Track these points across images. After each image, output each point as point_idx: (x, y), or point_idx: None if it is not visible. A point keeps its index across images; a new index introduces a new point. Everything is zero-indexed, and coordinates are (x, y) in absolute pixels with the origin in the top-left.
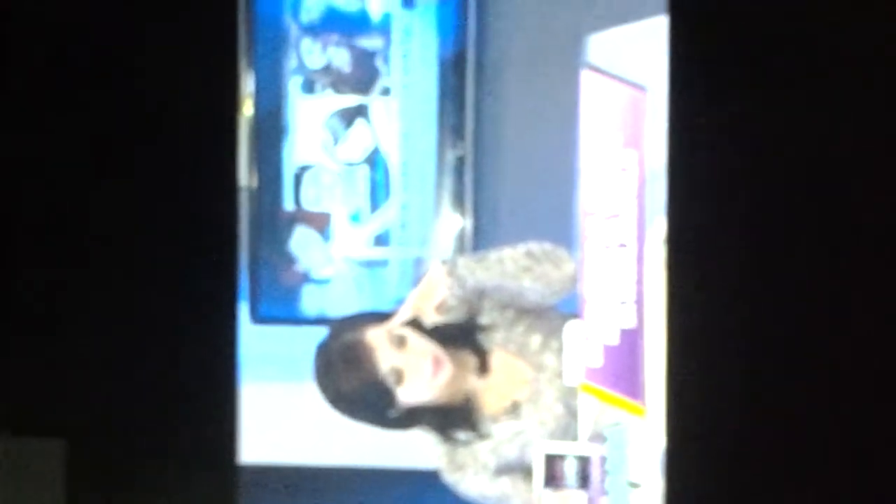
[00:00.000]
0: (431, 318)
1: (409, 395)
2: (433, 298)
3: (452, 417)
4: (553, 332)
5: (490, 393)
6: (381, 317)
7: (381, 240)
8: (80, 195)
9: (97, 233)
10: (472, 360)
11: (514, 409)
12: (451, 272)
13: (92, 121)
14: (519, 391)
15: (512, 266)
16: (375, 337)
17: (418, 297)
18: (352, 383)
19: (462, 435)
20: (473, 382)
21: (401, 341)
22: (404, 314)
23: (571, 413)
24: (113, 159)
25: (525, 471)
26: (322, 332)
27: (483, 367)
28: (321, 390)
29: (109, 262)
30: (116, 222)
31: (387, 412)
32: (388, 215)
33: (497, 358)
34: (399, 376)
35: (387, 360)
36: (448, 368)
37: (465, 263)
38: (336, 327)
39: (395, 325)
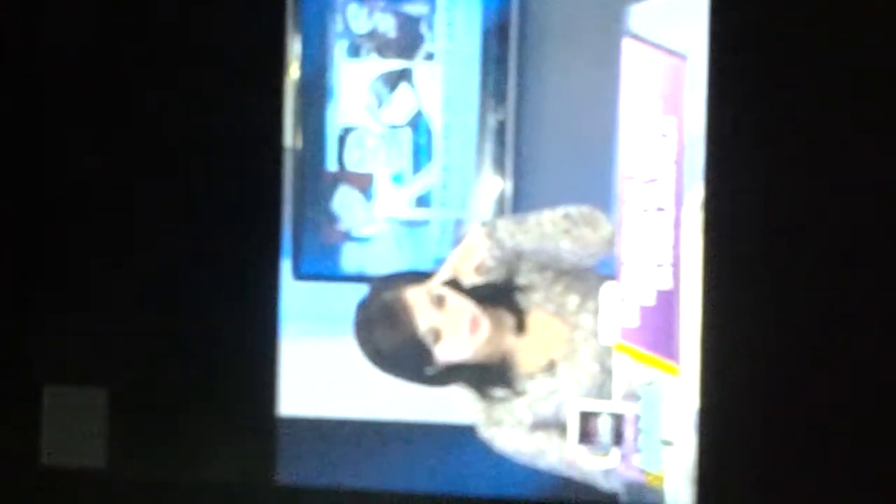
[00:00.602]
0: (470, 279)
1: (446, 353)
2: (472, 259)
3: (489, 375)
4: (590, 293)
5: (527, 351)
6: (420, 276)
7: (423, 201)
8: (128, 154)
9: (143, 190)
10: (509, 319)
11: (551, 367)
12: (491, 234)
13: (142, 84)
14: (555, 350)
15: (550, 228)
16: (415, 296)
17: (458, 257)
18: (390, 341)
19: (499, 392)
20: (511, 341)
21: (439, 301)
22: (444, 274)
23: (606, 372)
24: (163, 121)
25: (560, 427)
26: (362, 290)
27: (520, 327)
28: (360, 346)
29: (156, 218)
30: (165, 181)
31: (424, 369)
32: (429, 177)
33: (534, 317)
34: (437, 335)
35: (425, 318)
36: (485, 327)
37: (504, 225)
38: (376, 285)
39: (435, 284)
